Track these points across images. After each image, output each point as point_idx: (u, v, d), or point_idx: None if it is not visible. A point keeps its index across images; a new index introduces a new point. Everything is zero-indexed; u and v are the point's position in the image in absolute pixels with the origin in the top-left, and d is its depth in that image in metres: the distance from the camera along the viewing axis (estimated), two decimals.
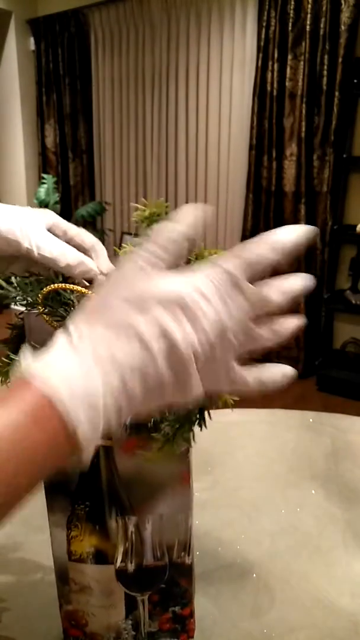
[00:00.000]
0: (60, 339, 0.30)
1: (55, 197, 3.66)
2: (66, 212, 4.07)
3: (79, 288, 0.47)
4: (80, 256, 0.52)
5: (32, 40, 4.01)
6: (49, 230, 0.53)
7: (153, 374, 0.30)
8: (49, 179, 3.69)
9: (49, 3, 3.87)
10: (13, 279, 0.50)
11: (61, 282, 0.49)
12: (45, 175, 3.77)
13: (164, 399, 0.32)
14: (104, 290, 0.32)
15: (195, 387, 0.31)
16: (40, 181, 3.90)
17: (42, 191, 3.67)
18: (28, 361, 0.30)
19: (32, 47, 4.02)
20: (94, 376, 0.29)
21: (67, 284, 0.48)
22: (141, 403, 0.31)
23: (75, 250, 0.52)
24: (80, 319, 0.31)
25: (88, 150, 4.03)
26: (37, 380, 0.28)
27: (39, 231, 0.51)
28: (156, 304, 0.30)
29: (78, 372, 0.28)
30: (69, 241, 0.54)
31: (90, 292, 0.47)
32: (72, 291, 0.48)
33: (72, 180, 4.08)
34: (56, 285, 0.47)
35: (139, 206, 0.51)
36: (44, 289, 0.47)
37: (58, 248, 0.51)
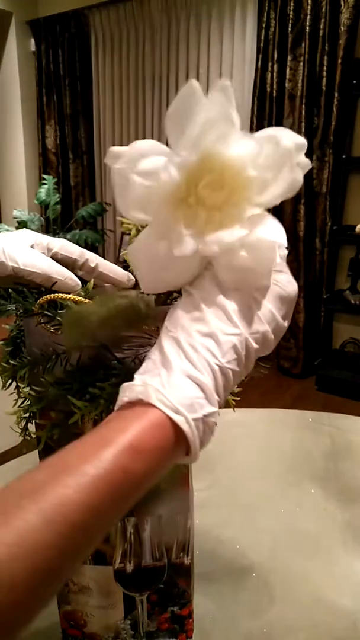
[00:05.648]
0: (162, 356, 0.34)
1: (56, 197, 3.66)
2: (67, 213, 4.07)
3: (74, 297, 0.47)
4: (66, 271, 0.51)
5: (32, 41, 4.01)
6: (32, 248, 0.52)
7: (246, 357, 0.35)
8: (50, 180, 3.69)
9: (49, 4, 3.88)
10: (6, 291, 0.50)
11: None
12: (45, 176, 3.77)
13: (247, 372, 0.37)
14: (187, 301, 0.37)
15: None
16: (40, 182, 3.91)
17: (42, 192, 3.67)
18: (142, 383, 0.33)
19: (33, 48, 4.03)
20: (203, 387, 0.33)
21: (62, 294, 0.48)
22: (232, 386, 0.36)
23: (59, 265, 0.51)
24: (170, 328, 0.35)
25: (88, 151, 4.03)
26: (160, 405, 0.32)
27: (23, 249, 0.50)
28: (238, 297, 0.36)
29: (192, 391, 0.33)
30: (54, 256, 0.53)
31: (86, 300, 0.47)
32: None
33: (73, 181, 4.08)
34: (51, 295, 0.47)
35: (124, 220, 0.51)
36: (40, 300, 0.47)
37: (44, 263, 0.50)
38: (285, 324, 0.38)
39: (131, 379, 0.35)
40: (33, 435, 0.51)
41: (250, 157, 0.35)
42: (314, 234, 3.03)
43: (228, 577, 0.72)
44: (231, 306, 0.35)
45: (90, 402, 0.45)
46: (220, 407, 0.35)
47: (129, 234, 0.53)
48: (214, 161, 0.34)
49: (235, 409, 0.53)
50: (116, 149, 0.35)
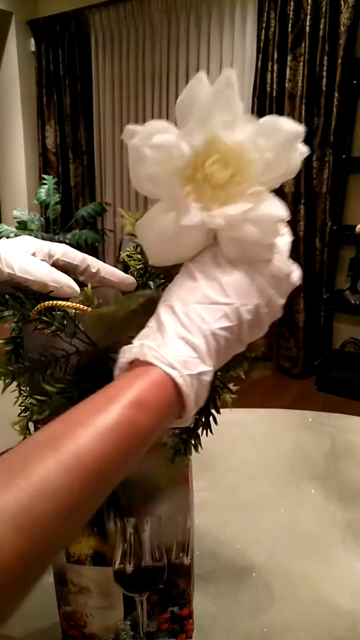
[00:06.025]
0: (159, 322, 0.37)
1: (56, 197, 3.66)
2: (67, 213, 4.07)
3: (72, 304, 0.47)
4: (63, 278, 0.51)
5: (32, 41, 4.01)
6: (33, 255, 0.52)
7: (237, 329, 0.37)
8: (50, 180, 3.69)
9: (49, 4, 3.88)
10: (3, 297, 0.50)
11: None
12: (45, 176, 3.77)
13: (242, 345, 0.39)
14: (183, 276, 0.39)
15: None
16: (40, 182, 3.91)
17: (42, 192, 3.67)
18: (139, 345, 0.35)
19: (33, 48, 4.02)
20: (195, 348, 0.35)
21: (60, 301, 0.47)
22: (225, 354, 0.38)
23: (57, 272, 0.51)
24: (167, 298, 0.38)
25: (88, 151, 4.03)
26: (155, 361, 0.34)
27: (21, 256, 0.50)
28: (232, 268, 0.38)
29: (185, 351, 0.35)
30: (56, 262, 0.53)
31: (85, 307, 0.47)
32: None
33: (73, 181, 4.08)
34: (49, 302, 0.47)
35: (124, 214, 0.52)
36: (37, 307, 0.47)
37: (40, 270, 0.50)
38: (280, 301, 0.41)
39: None
40: None
41: (251, 140, 0.38)
42: (314, 234, 3.03)
43: (228, 577, 0.72)
44: (225, 279, 0.38)
45: None
46: (215, 371, 0.37)
47: (129, 234, 0.53)
48: (218, 143, 0.37)
49: (236, 409, 0.53)
50: (132, 126, 0.38)
